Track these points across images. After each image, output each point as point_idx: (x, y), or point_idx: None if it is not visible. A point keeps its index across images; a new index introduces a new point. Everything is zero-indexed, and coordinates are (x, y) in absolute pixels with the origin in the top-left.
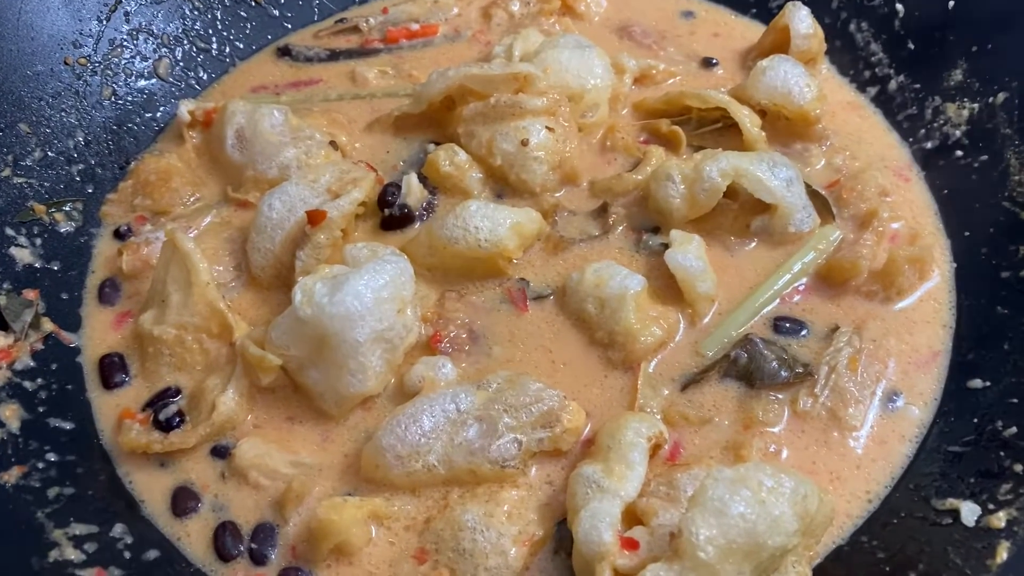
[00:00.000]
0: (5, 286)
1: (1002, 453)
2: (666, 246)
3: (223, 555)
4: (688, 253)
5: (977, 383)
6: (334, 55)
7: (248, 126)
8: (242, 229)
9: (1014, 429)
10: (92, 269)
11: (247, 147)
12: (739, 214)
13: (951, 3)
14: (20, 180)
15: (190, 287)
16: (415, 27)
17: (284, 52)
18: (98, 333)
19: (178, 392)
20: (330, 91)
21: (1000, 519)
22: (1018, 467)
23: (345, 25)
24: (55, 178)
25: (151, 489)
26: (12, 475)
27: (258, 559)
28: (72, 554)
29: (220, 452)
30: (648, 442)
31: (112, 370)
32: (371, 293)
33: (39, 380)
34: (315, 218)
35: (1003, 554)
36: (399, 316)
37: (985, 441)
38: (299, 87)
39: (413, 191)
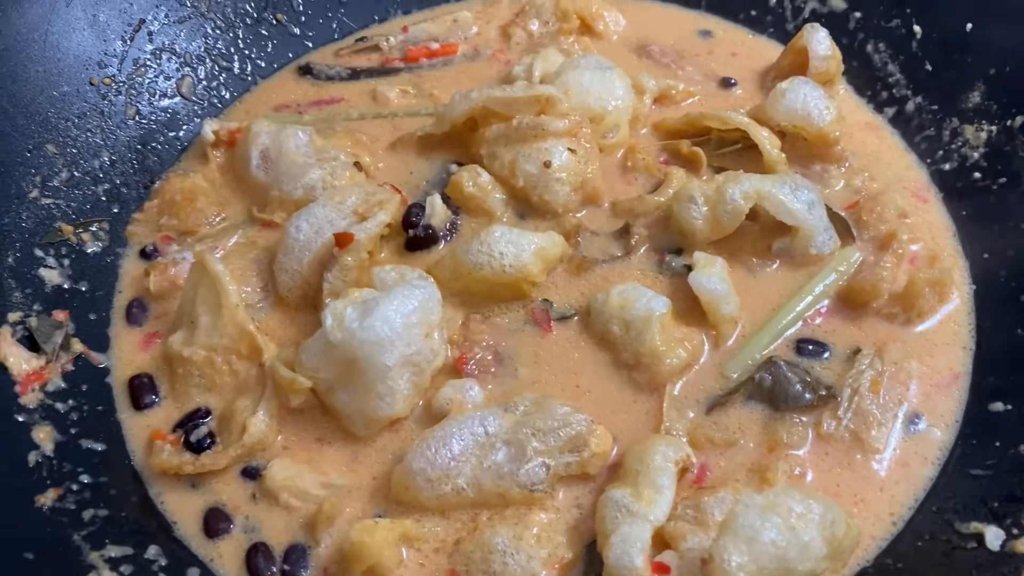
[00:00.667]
0: (35, 307)
1: None
2: (689, 268)
3: None
4: (712, 275)
5: (999, 406)
6: (355, 74)
7: (273, 147)
8: (268, 249)
9: None
10: (119, 289)
11: (272, 167)
12: (760, 236)
13: (969, 25)
14: (48, 201)
15: (219, 309)
16: (435, 46)
17: (306, 71)
18: (126, 354)
19: (208, 413)
20: (352, 110)
21: None
22: None
23: (365, 44)
24: (81, 198)
25: (183, 510)
26: (48, 497)
27: None
28: None
29: (251, 473)
30: (676, 466)
31: (142, 391)
32: (400, 319)
33: (70, 401)
34: (343, 240)
35: None
36: (427, 340)
37: (1008, 464)
38: (321, 106)
39: (437, 212)
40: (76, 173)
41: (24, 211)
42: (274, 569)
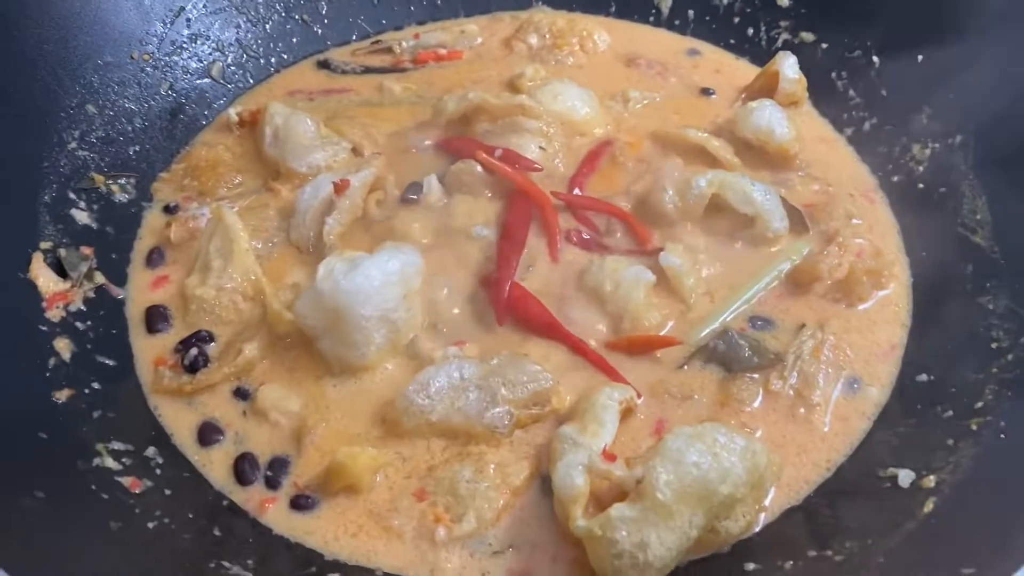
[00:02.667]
0: (65, 241)
1: (939, 431)
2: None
3: (242, 480)
4: (675, 255)
5: (924, 377)
6: (368, 70)
7: (283, 127)
8: (278, 210)
9: (950, 412)
10: (140, 236)
11: (281, 145)
12: (730, 227)
13: (920, 57)
14: (84, 153)
15: (231, 255)
16: (443, 52)
17: (324, 64)
18: (140, 291)
19: (210, 336)
20: (354, 97)
21: (931, 481)
22: (950, 441)
23: (380, 46)
24: (114, 155)
25: (179, 423)
26: (63, 394)
27: (272, 485)
28: (111, 463)
29: (243, 394)
30: (619, 405)
31: (156, 318)
32: (380, 276)
33: (89, 322)
34: (340, 187)
35: (929, 506)
36: (405, 301)
37: (925, 423)
38: (330, 94)
39: (433, 190)
40: (111, 132)
41: (63, 159)
42: (258, 474)
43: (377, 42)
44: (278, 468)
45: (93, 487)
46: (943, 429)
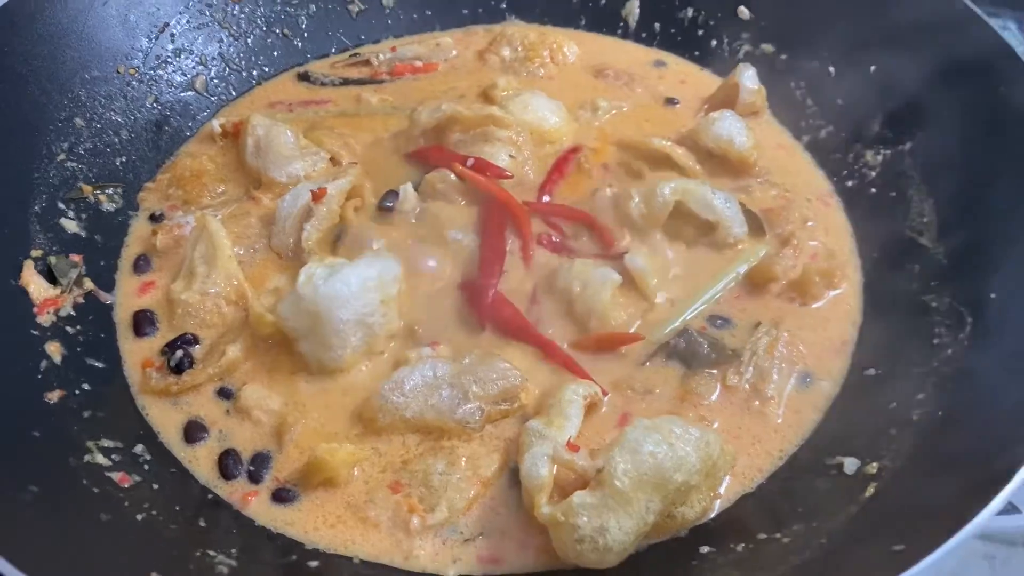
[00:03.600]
0: (55, 249)
1: (883, 422)
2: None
3: (226, 475)
4: (639, 256)
5: (872, 371)
6: (346, 82)
7: (264, 138)
8: (259, 218)
9: (894, 404)
10: (127, 244)
11: (262, 155)
12: (695, 234)
13: (873, 67)
14: (72, 164)
15: (215, 261)
16: (419, 64)
17: (304, 76)
18: (128, 296)
19: (195, 339)
20: (332, 108)
21: (873, 468)
22: (892, 431)
23: (358, 59)
24: (101, 166)
25: (166, 422)
26: (55, 395)
27: (255, 479)
28: (101, 460)
29: (226, 394)
30: (584, 400)
31: (143, 322)
32: (359, 281)
33: (78, 327)
34: (317, 195)
35: (870, 491)
36: (382, 307)
37: (875, 413)
38: (309, 105)
39: (409, 198)
40: (99, 144)
41: (52, 170)
42: (241, 469)
43: (355, 55)
44: (260, 463)
45: (84, 481)
46: (887, 419)
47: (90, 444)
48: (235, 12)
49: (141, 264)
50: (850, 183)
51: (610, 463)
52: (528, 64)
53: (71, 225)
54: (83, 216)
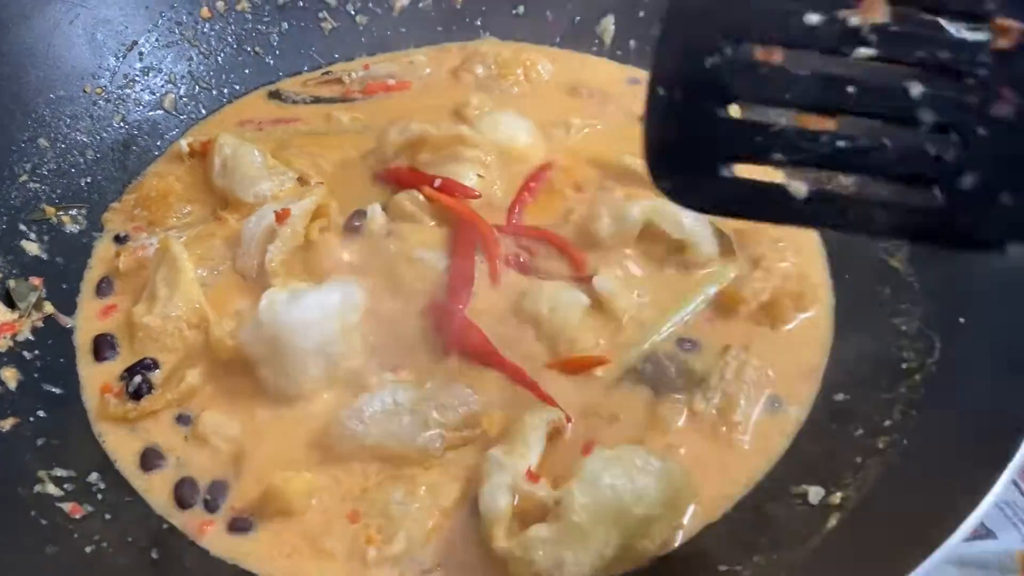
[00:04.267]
0: (15, 272)
1: (850, 450)
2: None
3: (182, 503)
4: (607, 278)
5: (840, 396)
6: (317, 100)
7: (232, 158)
8: (224, 239)
9: (861, 431)
10: (90, 266)
11: (229, 175)
12: (665, 252)
13: None
14: (35, 185)
15: (177, 284)
16: (391, 82)
17: (275, 95)
18: (89, 320)
19: (155, 364)
20: (303, 127)
21: (837, 498)
22: (858, 459)
23: (330, 77)
24: (65, 186)
25: (122, 449)
26: (7, 423)
27: (211, 508)
28: (52, 489)
29: (184, 420)
30: (547, 427)
31: (104, 346)
32: (319, 310)
33: (36, 352)
34: (281, 216)
35: (833, 521)
36: (343, 336)
37: (841, 440)
38: (278, 123)
39: (376, 218)
40: (63, 165)
41: (14, 191)
42: (197, 498)
43: (328, 73)
44: (217, 492)
45: (32, 513)
46: (853, 447)
47: (41, 473)
48: (205, 30)
49: (103, 287)
50: None
51: (568, 496)
52: (501, 82)
53: (32, 247)
54: (45, 238)
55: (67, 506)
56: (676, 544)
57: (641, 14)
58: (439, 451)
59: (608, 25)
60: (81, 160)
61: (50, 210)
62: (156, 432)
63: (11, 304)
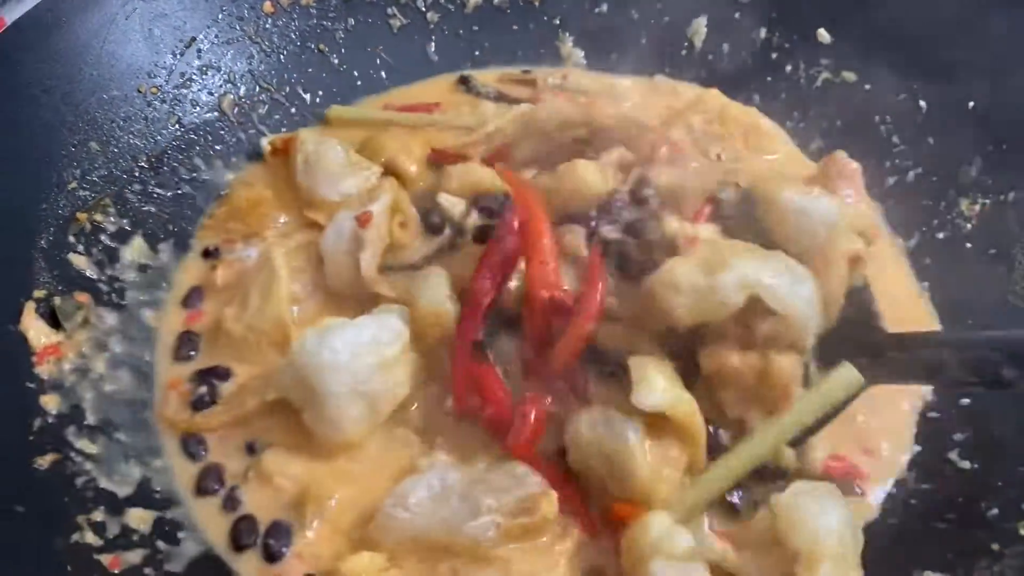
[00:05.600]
0: (60, 288)
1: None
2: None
3: (238, 546)
4: (654, 389)
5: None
6: (501, 97)
7: (314, 154)
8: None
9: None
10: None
11: (312, 173)
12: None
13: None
14: (84, 193)
15: (269, 298)
16: (581, 99)
17: (464, 81)
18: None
19: (228, 373)
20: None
21: None
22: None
23: (527, 76)
24: (116, 194)
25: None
26: (46, 460)
27: (272, 557)
28: (91, 539)
29: (252, 449)
30: None
31: (185, 345)
32: (348, 349)
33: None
34: (363, 220)
35: None
36: (381, 373)
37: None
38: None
39: (452, 204)
40: (114, 171)
41: (62, 199)
42: (256, 539)
43: (527, 71)
44: (279, 534)
45: (68, 568)
46: (987, 530)
47: (80, 519)
48: (267, 26)
49: (193, 298)
50: (941, 235)
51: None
52: (720, 143)
53: (79, 260)
54: (92, 250)
55: (106, 559)
56: None
57: None
58: (493, 541)
59: None
60: (134, 165)
61: (82, 216)
62: (219, 456)
63: (56, 324)
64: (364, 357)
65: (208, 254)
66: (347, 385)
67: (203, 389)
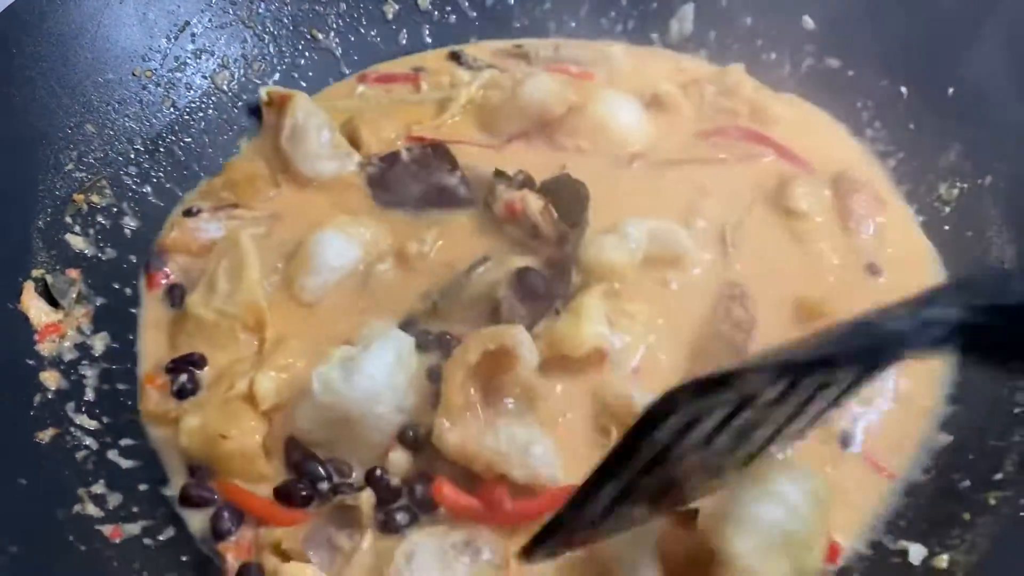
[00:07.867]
0: (57, 267)
1: (954, 503)
2: None
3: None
4: None
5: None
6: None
7: (301, 127)
8: (292, 242)
9: (967, 482)
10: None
11: (294, 143)
12: None
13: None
14: (81, 174)
15: (240, 281)
16: (574, 69)
17: (455, 56)
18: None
19: (203, 362)
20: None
21: (943, 560)
22: (966, 515)
23: (520, 51)
24: (112, 176)
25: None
26: (47, 435)
27: None
28: (92, 510)
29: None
30: None
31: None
32: (384, 371)
33: (82, 354)
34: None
35: None
36: (410, 385)
37: (942, 491)
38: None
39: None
40: (110, 153)
41: (59, 181)
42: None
43: (519, 46)
44: None
45: (71, 538)
46: (958, 501)
47: (81, 492)
48: (260, 10)
49: (154, 264)
50: (921, 219)
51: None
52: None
53: (76, 240)
54: (90, 231)
55: (107, 529)
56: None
57: None
58: None
59: None
60: (129, 147)
61: (79, 198)
62: None
63: (54, 303)
64: (398, 375)
65: (189, 213)
66: (391, 405)
67: (183, 377)
